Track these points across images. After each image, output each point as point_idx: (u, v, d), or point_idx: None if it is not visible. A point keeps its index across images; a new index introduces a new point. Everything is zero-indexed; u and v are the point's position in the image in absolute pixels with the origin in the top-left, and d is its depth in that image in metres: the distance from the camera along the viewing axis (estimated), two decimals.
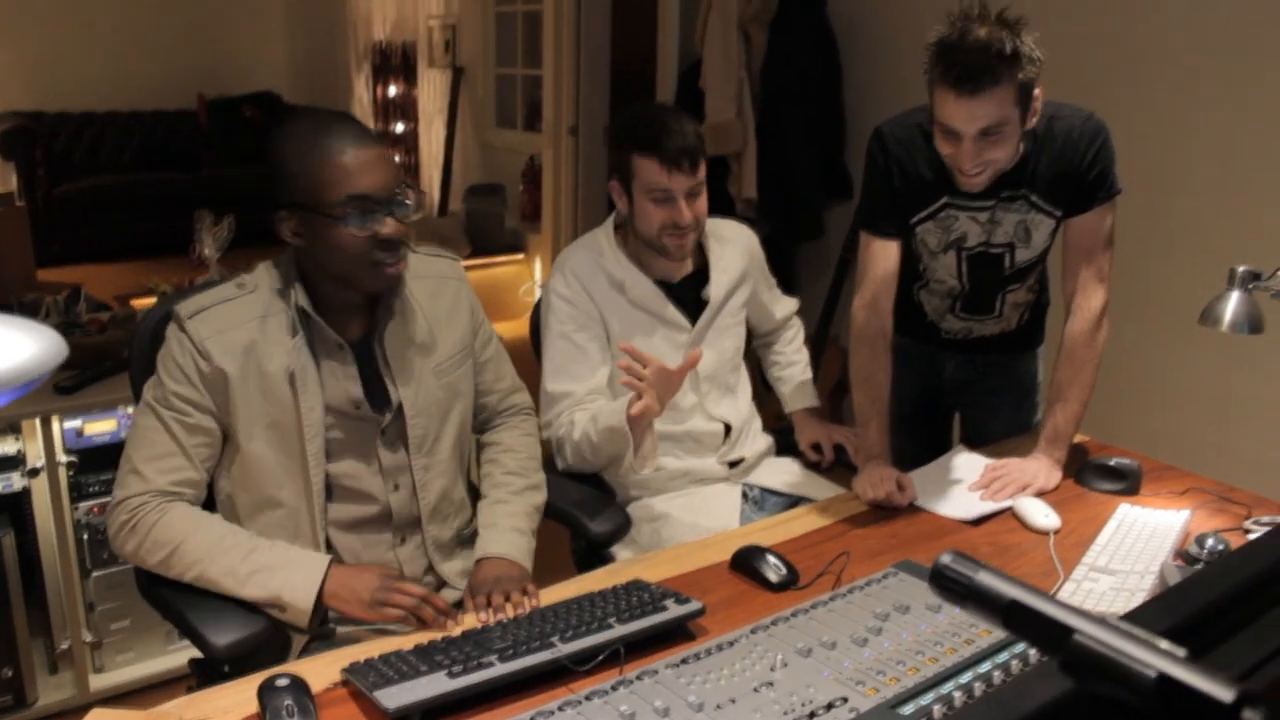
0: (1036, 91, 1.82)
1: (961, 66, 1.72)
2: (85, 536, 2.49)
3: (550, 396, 2.05)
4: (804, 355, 2.40)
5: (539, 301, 2.18)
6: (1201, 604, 0.60)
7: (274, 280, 1.66)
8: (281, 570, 1.55)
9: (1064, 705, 0.49)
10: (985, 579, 0.56)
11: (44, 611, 2.55)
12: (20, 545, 2.47)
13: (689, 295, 2.12)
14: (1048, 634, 0.52)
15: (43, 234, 5.87)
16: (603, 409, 1.97)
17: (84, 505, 2.49)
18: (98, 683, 2.57)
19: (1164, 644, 0.49)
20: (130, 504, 1.58)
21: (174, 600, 1.60)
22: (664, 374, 1.81)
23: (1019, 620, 0.54)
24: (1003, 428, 2.30)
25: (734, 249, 2.19)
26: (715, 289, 2.13)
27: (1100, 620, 0.52)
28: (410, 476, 1.72)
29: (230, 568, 1.55)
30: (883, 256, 2.05)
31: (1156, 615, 0.54)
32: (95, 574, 2.52)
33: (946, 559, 0.58)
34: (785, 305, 2.39)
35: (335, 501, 1.68)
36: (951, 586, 0.57)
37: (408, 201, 1.58)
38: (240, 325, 1.60)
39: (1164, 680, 0.47)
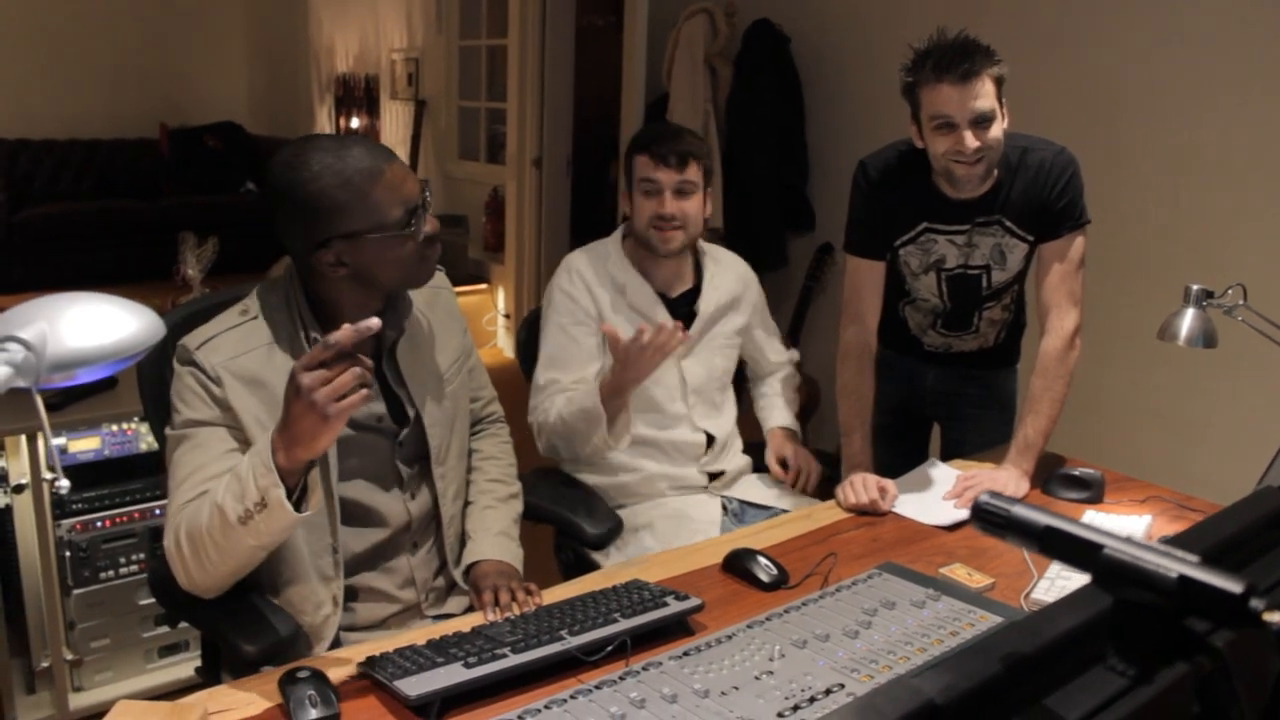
0: (1004, 100, 1.97)
1: (949, 58, 1.89)
2: (68, 554, 2.49)
3: (538, 385, 2.15)
4: (794, 396, 2.43)
5: (538, 309, 2.26)
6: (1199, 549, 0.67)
7: (274, 305, 1.61)
8: None
9: (1098, 621, 0.57)
10: (1021, 511, 0.64)
11: (22, 630, 2.54)
12: (1, 562, 2.47)
13: (683, 310, 2.21)
14: (1081, 551, 0.60)
15: (2, 260, 5.85)
16: (578, 391, 2.07)
17: (67, 523, 2.49)
18: (76, 702, 2.55)
19: (1179, 552, 0.57)
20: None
21: (207, 610, 1.58)
22: (640, 349, 1.90)
23: (1054, 543, 0.62)
24: (980, 440, 2.38)
25: (729, 272, 2.30)
26: (705, 303, 2.23)
27: (1123, 538, 0.60)
28: (430, 487, 1.73)
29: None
30: (868, 277, 2.17)
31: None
32: (76, 592, 2.51)
33: (985, 497, 0.67)
34: (778, 351, 2.43)
35: (348, 524, 1.64)
36: (992, 519, 0.65)
37: (430, 195, 1.60)
38: (249, 352, 1.55)
39: (1184, 580, 0.56)
